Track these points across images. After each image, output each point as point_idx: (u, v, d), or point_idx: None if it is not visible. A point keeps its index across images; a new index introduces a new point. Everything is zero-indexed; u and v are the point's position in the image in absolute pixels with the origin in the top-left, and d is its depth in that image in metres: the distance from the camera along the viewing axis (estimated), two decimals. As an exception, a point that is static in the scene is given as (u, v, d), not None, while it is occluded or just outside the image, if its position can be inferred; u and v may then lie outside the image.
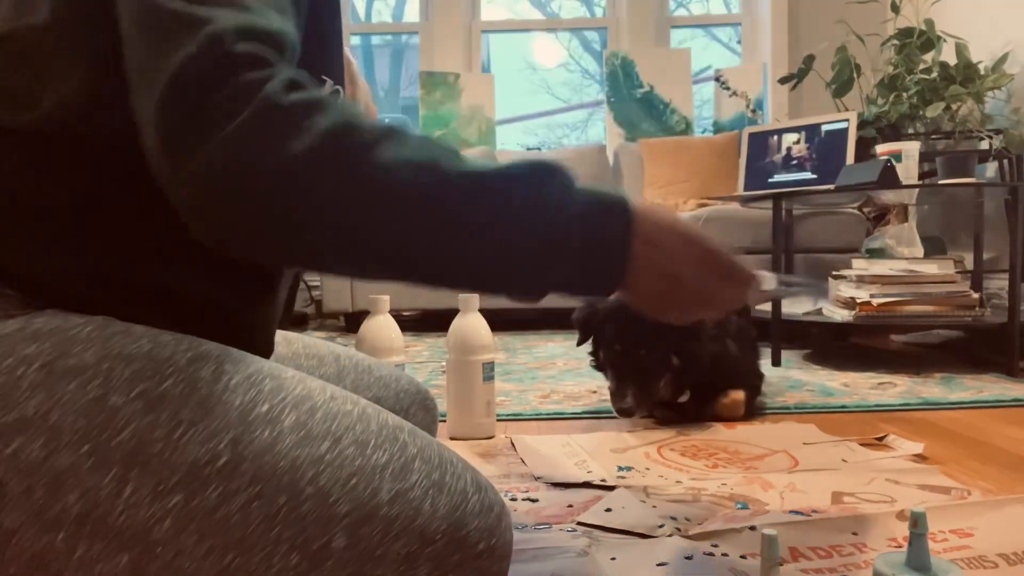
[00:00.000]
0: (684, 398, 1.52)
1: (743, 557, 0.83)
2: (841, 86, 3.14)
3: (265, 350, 0.66)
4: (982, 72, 2.85)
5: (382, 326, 1.40)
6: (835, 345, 2.71)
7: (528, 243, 0.51)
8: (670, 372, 1.46)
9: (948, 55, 2.94)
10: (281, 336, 0.93)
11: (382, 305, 1.41)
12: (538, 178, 0.52)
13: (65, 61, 0.54)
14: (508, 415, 1.58)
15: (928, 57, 2.97)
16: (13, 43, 0.55)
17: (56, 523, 0.47)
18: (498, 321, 1.86)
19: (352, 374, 0.96)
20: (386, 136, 0.49)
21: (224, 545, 0.49)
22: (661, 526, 0.92)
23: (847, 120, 2.89)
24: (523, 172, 0.51)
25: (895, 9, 3.06)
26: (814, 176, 2.94)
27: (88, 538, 0.47)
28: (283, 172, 0.46)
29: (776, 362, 2.21)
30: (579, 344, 1.58)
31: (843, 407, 1.63)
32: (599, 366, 1.57)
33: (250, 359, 0.57)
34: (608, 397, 1.75)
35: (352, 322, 3.27)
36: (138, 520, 0.48)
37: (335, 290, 3.17)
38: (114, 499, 0.48)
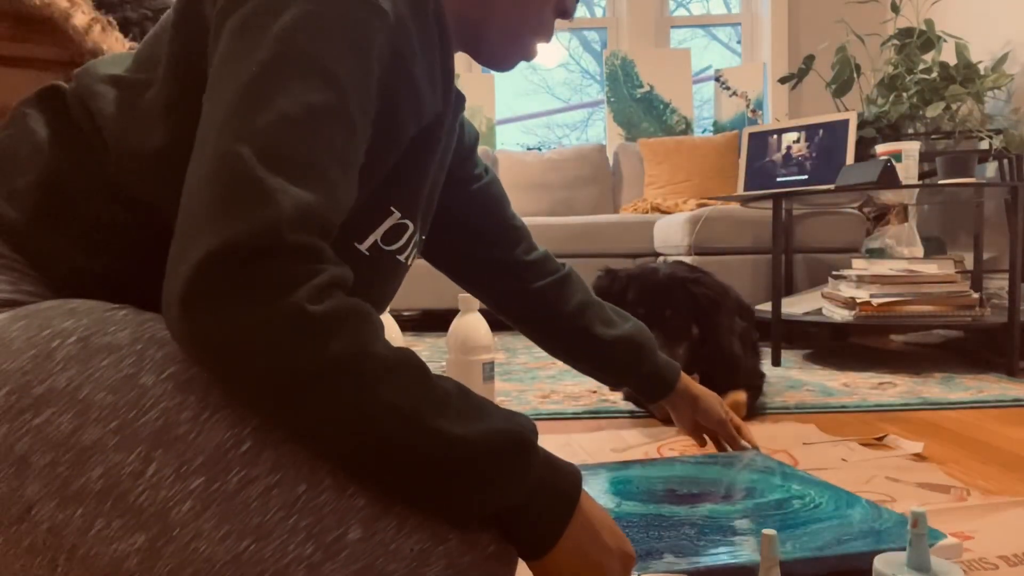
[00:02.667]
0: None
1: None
2: (841, 86, 3.14)
3: None
4: (982, 72, 2.85)
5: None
6: (835, 345, 2.71)
7: (474, 506, 0.54)
8: (688, 341, 1.46)
9: (948, 55, 2.95)
10: None
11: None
12: (505, 456, 0.53)
13: (153, 123, 0.59)
14: (508, 415, 1.57)
15: (928, 57, 2.97)
16: (130, 88, 0.61)
17: (76, 498, 0.47)
18: (498, 321, 1.86)
19: None
20: (389, 373, 0.50)
21: (241, 530, 0.49)
22: (661, 526, 0.92)
23: (847, 120, 2.89)
24: (493, 447, 0.53)
25: (895, 9, 3.06)
26: (814, 176, 2.94)
27: (106, 515, 0.47)
28: (279, 381, 0.47)
29: (776, 362, 2.21)
30: None
31: (843, 407, 1.63)
32: None
33: None
34: (607, 396, 1.75)
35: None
36: (158, 500, 0.48)
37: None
38: (136, 478, 0.48)
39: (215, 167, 0.49)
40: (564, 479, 0.57)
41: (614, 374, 1.08)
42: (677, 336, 1.46)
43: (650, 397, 1.13)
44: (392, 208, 0.67)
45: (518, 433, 0.54)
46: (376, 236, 0.67)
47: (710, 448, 1.21)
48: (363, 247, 0.66)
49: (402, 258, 0.72)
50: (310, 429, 0.50)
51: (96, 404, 0.49)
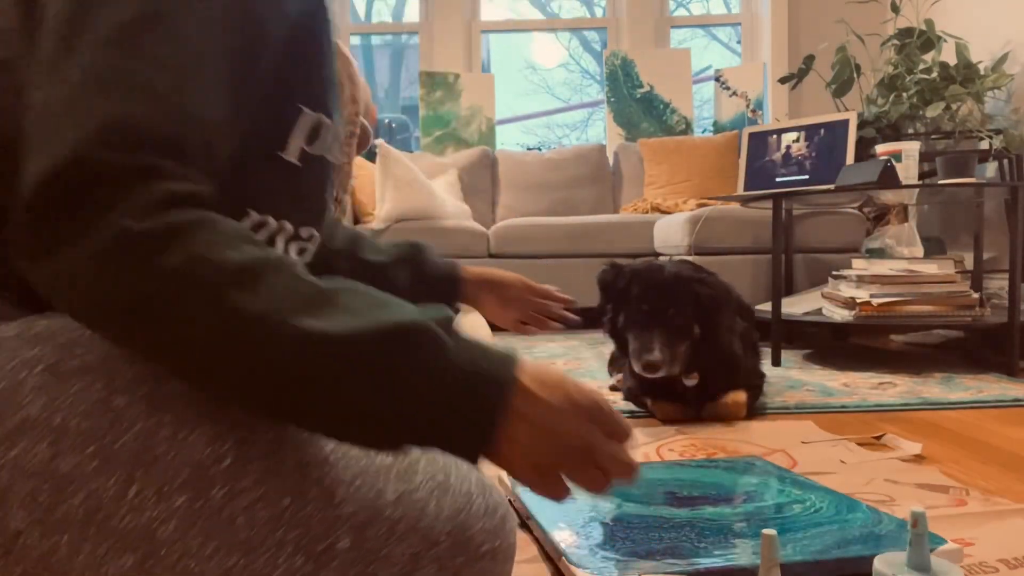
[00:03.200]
0: (692, 381, 1.51)
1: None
2: (841, 86, 3.14)
3: None
4: (982, 72, 2.85)
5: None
6: (835, 345, 2.71)
7: (371, 412, 0.47)
8: (691, 341, 1.47)
9: (948, 55, 2.94)
10: None
11: None
12: (388, 350, 0.46)
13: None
14: (508, 415, 1.57)
15: (928, 57, 2.97)
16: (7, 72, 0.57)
17: (61, 525, 0.47)
18: (498, 321, 1.87)
19: None
20: (239, 279, 0.45)
21: (229, 546, 0.48)
22: (660, 526, 0.92)
23: (847, 120, 2.89)
24: (370, 342, 0.46)
25: (895, 9, 3.06)
26: (814, 176, 2.94)
27: (93, 539, 0.47)
28: (118, 310, 0.45)
29: (776, 362, 2.21)
30: (600, 307, 1.60)
31: (843, 407, 1.63)
32: (614, 332, 1.57)
33: None
34: (607, 396, 1.76)
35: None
36: (143, 521, 0.48)
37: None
38: (119, 500, 0.48)
39: (37, 114, 0.48)
40: (489, 364, 0.50)
41: (404, 292, 0.95)
42: (679, 335, 1.46)
43: (448, 298, 1.04)
44: (301, 107, 0.62)
45: (408, 324, 0.47)
46: (298, 141, 0.62)
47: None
48: (291, 156, 0.61)
49: (330, 157, 0.67)
50: (175, 356, 0.47)
51: (71, 430, 0.48)
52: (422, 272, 1.00)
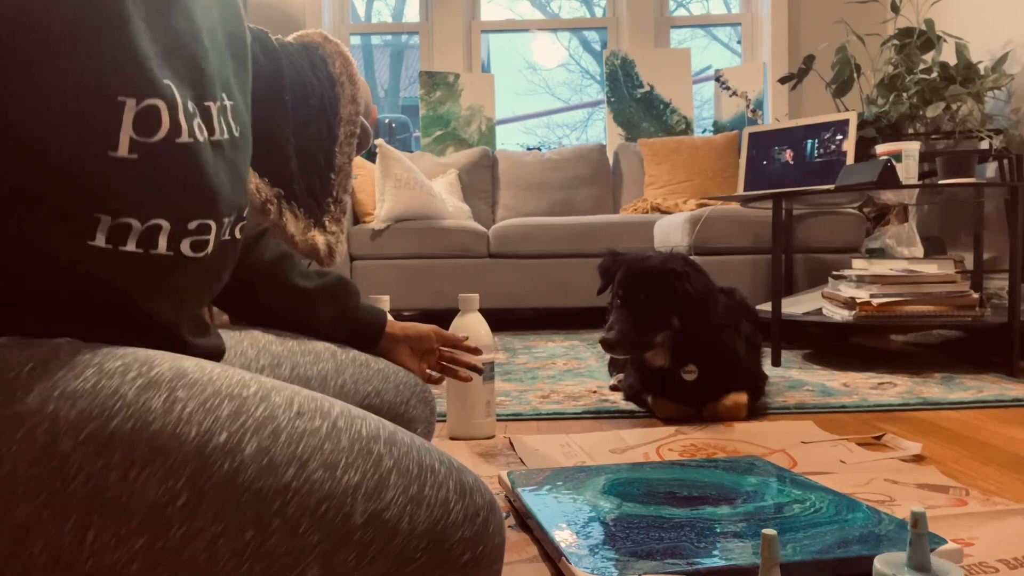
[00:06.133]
0: (691, 375, 1.51)
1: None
2: (841, 86, 3.14)
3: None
4: (982, 72, 2.85)
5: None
6: (835, 345, 2.71)
7: None
8: (669, 331, 1.47)
9: (948, 55, 2.94)
10: (275, 331, 0.94)
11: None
12: None
13: None
14: (508, 415, 1.58)
15: (928, 57, 2.97)
16: None
17: (25, 574, 0.47)
18: (498, 321, 1.87)
19: (350, 368, 0.96)
20: None
21: None
22: (660, 526, 0.92)
23: (847, 120, 2.89)
24: None
25: (895, 9, 3.06)
26: (814, 176, 2.94)
27: None
28: None
29: (776, 362, 2.21)
30: (599, 292, 1.61)
31: (843, 407, 1.63)
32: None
33: (207, 378, 0.55)
34: (607, 396, 1.75)
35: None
36: (105, 565, 0.47)
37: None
38: (77, 546, 0.47)
39: None
40: None
41: (325, 325, 0.98)
42: (652, 322, 1.48)
43: (367, 347, 1.03)
44: (120, 99, 0.54)
45: None
46: (127, 134, 0.55)
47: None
48: (122, 152, 0.55)
49: (186, 138, 0.59)
50: None
51: (20, 479, 0.47)
52: (345, 313, 0.99)
